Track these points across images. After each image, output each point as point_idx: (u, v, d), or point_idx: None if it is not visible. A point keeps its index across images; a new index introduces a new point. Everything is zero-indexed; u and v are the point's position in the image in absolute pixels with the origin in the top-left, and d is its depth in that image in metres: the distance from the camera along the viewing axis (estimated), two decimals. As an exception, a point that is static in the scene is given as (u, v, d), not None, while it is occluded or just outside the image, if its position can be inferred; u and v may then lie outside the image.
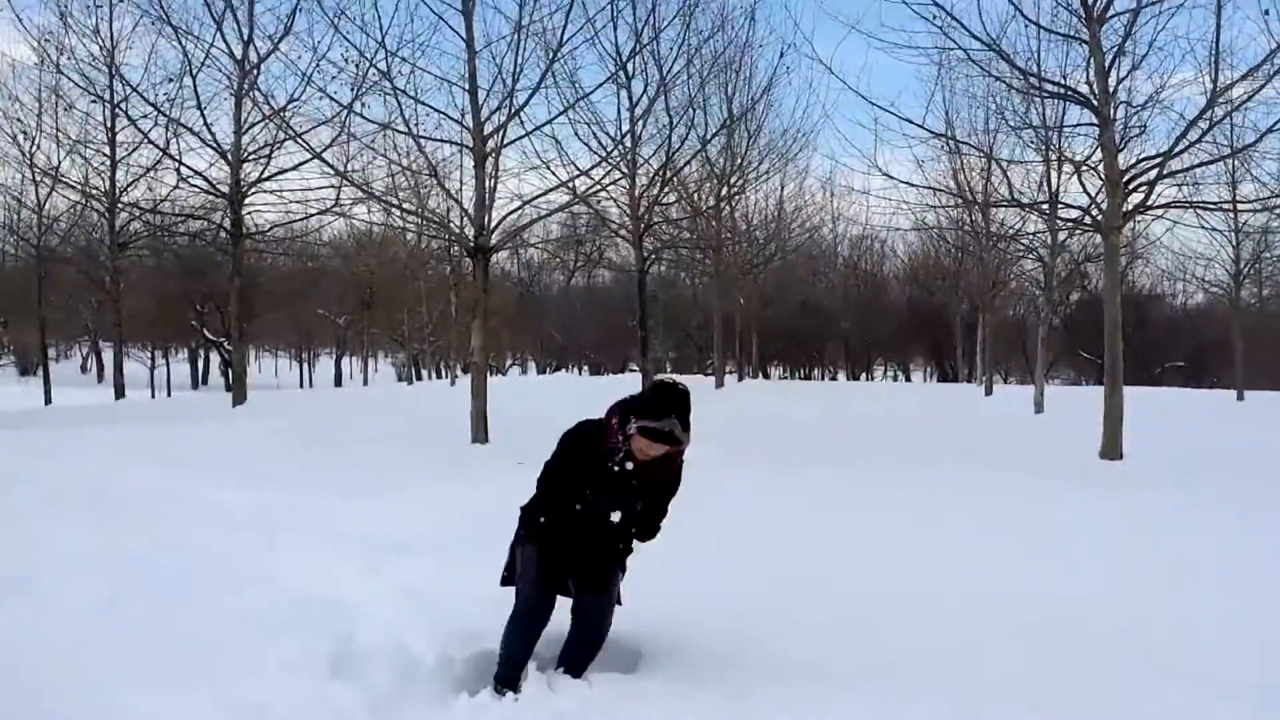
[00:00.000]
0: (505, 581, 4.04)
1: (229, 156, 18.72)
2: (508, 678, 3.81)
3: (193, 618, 4.00)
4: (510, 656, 3.85)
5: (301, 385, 52.11)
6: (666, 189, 20.96)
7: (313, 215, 21.21)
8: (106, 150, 22.50)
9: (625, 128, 18.73)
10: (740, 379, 31.17)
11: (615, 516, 3.81)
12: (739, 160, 24.53)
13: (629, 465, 3.79)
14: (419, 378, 44.09)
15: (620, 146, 18.12)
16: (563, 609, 3.93)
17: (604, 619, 3.96)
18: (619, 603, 4.01)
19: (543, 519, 3.90)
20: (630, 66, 17.80)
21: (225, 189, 19.12)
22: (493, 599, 4.14)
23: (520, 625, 3.87)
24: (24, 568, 4.45)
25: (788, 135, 26.02)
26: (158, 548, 5.00)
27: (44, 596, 4.13)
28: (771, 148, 26.02)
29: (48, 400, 26.36)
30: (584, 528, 3.88)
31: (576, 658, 3.95)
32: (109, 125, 22.21)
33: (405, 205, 19.48)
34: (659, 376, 4.09)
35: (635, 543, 4.01)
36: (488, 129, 13.04)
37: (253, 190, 19.45)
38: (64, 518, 5.54)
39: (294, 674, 3.58)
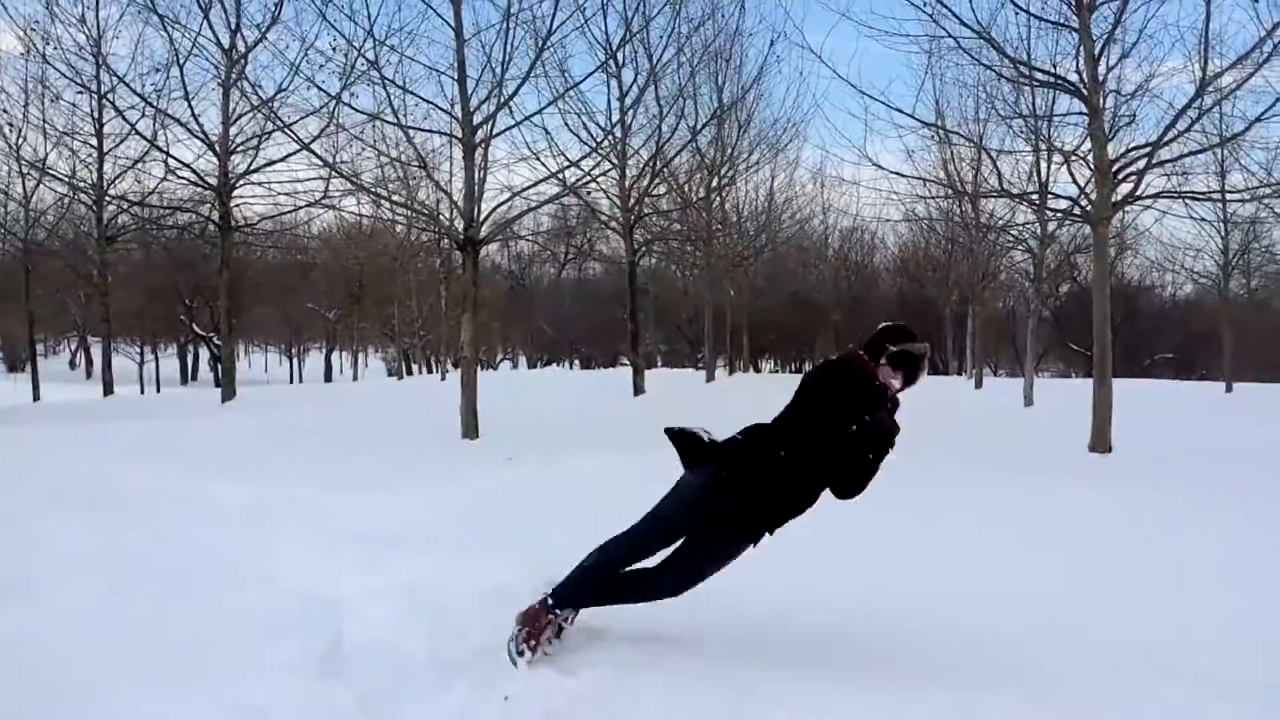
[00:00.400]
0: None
1: (217, 148, 18.63)
2: (562, 594, 3.72)
3: (192, 617, 3.97)
4: (594, 566, 3.75)
5: (291, 381, 51.91)
6: (657, 180, 20.95)
7: (301, 208, 21.15)
8: (93, 142, 22.38)
9: (615, 118, 18.69)
10: (731, 373, 31.16)
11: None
12: (729, 151, 24.50)
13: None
14: (409, 372, 43.93)
15: (610, 137, 18.08)
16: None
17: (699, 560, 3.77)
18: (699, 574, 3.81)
19: (783, 452, 3.67)
20: (620, 55, 17.74)
21: (213, 181, 19.02)
22: (489, 593, 4.10)
23: (619, 544, 3.79)
24: (22, 567, 4.41)
25: (778, 125, 26.08)
26: (158, 543, 4.97)
27: (43, 596, 4.10)
28: (762, 138, 26.06)
29: (36, 396, 26.15)
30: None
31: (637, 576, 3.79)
32: (96, 116, 22.09)
33: (394, 197, 19.44)
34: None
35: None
36: (477, 119, 12.97)
37: (241, 182, 19.37)
38: (62, 515, 5.49)
39: (293, 674, 3.54)
